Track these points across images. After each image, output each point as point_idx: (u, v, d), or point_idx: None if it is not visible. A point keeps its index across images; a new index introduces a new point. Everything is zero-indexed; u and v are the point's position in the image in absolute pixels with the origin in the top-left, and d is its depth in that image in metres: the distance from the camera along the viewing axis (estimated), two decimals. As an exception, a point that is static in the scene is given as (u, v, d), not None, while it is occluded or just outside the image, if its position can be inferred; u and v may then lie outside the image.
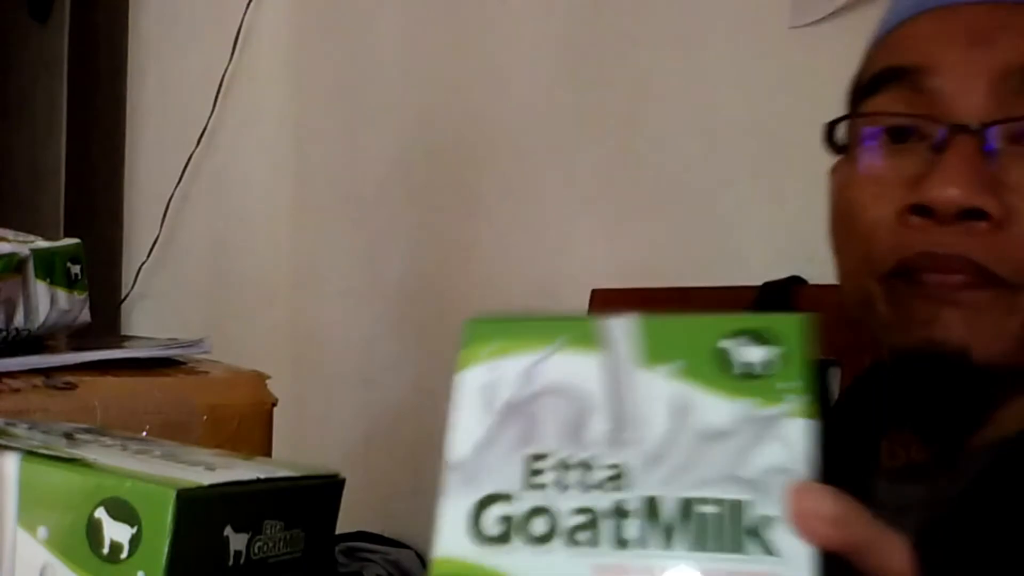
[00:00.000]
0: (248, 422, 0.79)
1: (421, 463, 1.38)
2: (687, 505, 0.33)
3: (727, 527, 0.33)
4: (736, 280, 0.99)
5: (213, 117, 1.57)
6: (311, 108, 1.54)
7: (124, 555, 0.39)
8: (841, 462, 0.58)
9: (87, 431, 0.53)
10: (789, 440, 0.34)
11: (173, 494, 0.38)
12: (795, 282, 0.93)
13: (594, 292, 1.14)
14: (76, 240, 0.85)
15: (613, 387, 0.36)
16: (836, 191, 0.56)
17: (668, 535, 0.33)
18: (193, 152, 1.58)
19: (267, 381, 0.83)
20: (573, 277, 1.20)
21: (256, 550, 0.42)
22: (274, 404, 0.81)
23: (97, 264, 1.17)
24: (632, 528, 0.33)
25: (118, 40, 1.68)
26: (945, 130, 0.50)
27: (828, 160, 0.60)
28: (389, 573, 1.26)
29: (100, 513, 0.39)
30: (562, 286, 1.22)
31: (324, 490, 0.48)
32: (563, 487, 0.34)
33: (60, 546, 0.40)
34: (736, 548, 0.32)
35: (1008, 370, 0.51)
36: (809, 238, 0.77)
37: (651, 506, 0.34)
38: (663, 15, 1.13)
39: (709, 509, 0.33)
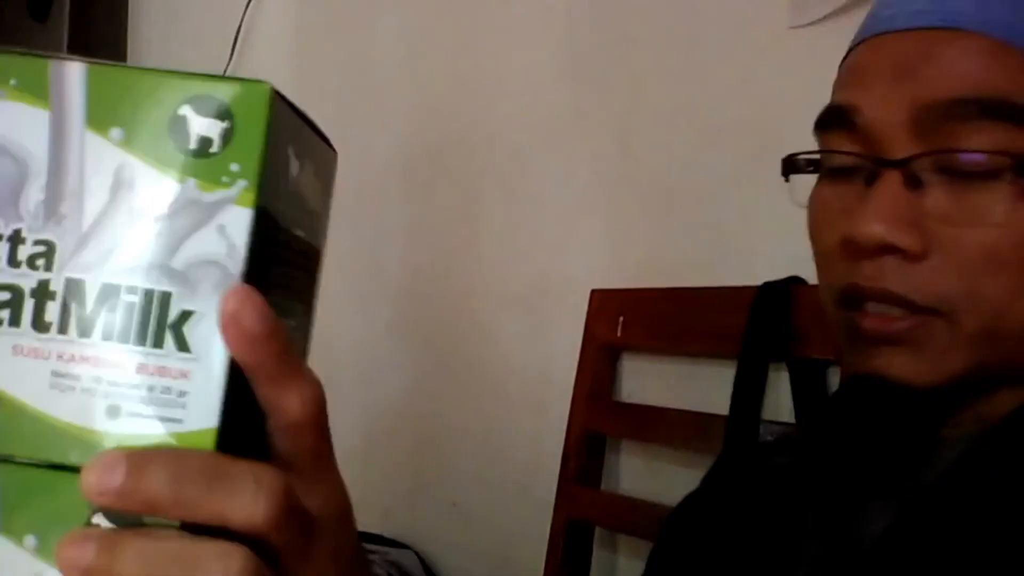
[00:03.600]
0: (248, 422, 0.78)
1: (421, 463, 1.38)
2: (111, 292, 0.31)
3: (148, 320, 0.31)
4: (736, 280, 0.99)
5: (213, 117, 1.57)
6: (311, 108, 1.53)
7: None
8: (831, 455, 0.58)
9: None
10: (226, 230, 0.32)
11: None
12: (795, 282, 0.93)
13: (593, 292, 1.14)
14: (76, 239, 0.85)
15: (56, 150, 0.32)
16: (808, 211, 0.58)
17: (89, 322, 0.31)
18: (193, 152, 1.58)
19: (267, 381, 0.83)
20: (572, 277, 1.20)
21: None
22: (274, 404, 0.81)
23: (97, 264, 1.17)
24: (53, 311, 0.31)
25: (118, 40, 1.68)
26: (871, 165, 0.52)
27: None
28: (389, 573, 1.26)
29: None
30: (561, 286, 1.22)
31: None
32: None
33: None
34: (154, 342, 0.31)
35: (964, 385, 0.51)
36: (809, 238, 0.77)
37: (75, 290, 0.31)
38: (662, 15, 1.13)
39: (132, 298, 0.31)
